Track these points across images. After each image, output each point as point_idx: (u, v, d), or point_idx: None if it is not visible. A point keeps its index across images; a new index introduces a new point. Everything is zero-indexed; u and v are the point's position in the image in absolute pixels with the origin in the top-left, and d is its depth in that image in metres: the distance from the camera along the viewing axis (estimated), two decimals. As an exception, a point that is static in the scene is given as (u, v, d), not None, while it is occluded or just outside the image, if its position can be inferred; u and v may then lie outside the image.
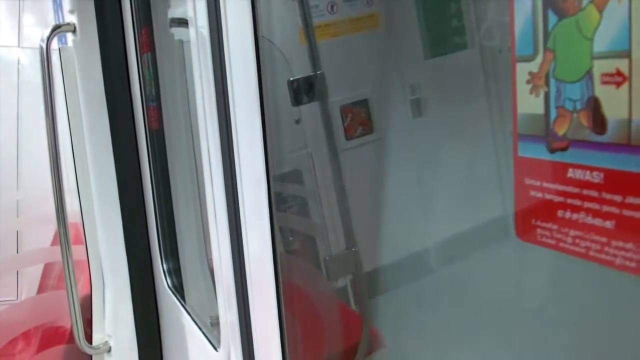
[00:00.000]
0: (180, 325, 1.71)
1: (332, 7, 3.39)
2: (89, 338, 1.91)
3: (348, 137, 3.48)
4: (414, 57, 3.59)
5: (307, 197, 2.97)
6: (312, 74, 1.95)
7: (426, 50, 3.59)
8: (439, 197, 3.56)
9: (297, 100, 1.95)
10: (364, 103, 3.48)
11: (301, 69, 2.07)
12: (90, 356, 1.97)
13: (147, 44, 1.69)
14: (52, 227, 2.24)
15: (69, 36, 1.77)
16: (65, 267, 1.78)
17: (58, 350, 2.15)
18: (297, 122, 3.06)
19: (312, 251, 2.67)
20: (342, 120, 3.45)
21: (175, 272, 1.84)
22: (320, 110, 2.04)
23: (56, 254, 1.84)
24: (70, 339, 1.94)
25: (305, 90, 1.95)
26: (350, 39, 3.46)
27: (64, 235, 1.76)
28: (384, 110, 3.55)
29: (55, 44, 1.84)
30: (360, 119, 3.49)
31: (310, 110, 2.49)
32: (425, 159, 3.56)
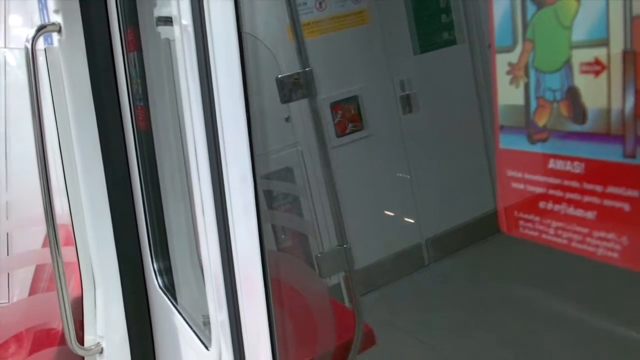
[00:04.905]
0: (171, 325, 1.70)
1: (320, 4, 3.39)
2: (80, 340, 1.90)
3: (339, 134, 3.49)
4: (404, 53, 3.60)
5: (298, 194, 2.96)
6: (300, 71, 1.94)
7: (415, 46, 3.60)
8: (430, 192, 3.57)
9: (285, 98, 1.95)
10: (354, 100, 3.48)
11: (290, 66, 2.06)
12: (82, 358, 1.96)
13: (133, 43, 1.68)
14: (42, 228, 2.23)
15: (55, 36, 1.75)
16: (55, 269, 1.77)
17: (50, 352, 2.14)
18: (287, 119, 3.06)
19: (304, 248, 2.67)
20: (333, 117, 3.45)
21: (166, 272, 1.83)
22: (309, 107, 2.03)
23: (47, 255, 1.83)
24: (62, 341, 1.93)
25: (293, 87, 1.94)
26: (339, 36, 3.46)
27: (53, 236, 1.75)
28: (374, 107, 3.55)
29: (41, 44, 1.83)
30: (350, 116, 3.49)
31: (300, 107, 2.48)
32: (415, 154, 3.56)
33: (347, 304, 2.32)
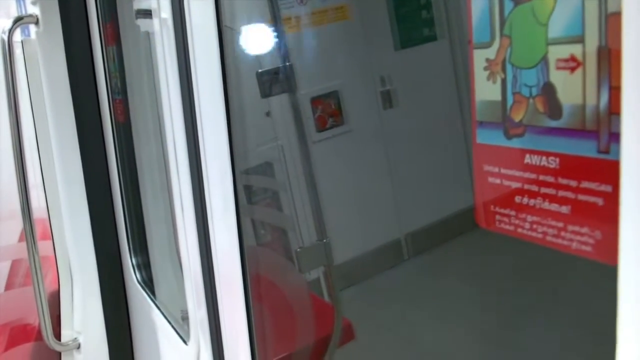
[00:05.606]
0: (150, 320, 1.69)
1: (301, -2, 3.38)
2: (57, 335, 1.88)
3: (319, 129, 3.48)
4: (384, 48, 3.60)
5: (278, 189, 2.96)
6: (280, 65, 1.93)
7: (396, 42, 3.61)
8: (410, 187, 3.58)
9: (265, 92, 1.94)
10: (334, 95, 3.48)
11: (270, 61, 2.05)
12: (59, 353, 1.94)
13: (112, 36, 1.67)
14: (18, 222, 2.20)
15: (32, 28, 1.73)
16: (31, 264, 1.76)
17: (26, 348, 2.12)
18: (268, 114, 3.05)
19: (284, 243, 2.66)
20: (313, 112, 3.45)
21: (144, 267, 1.82)
22: (290, 102, 2.03)
23: (23, 250, 1.81)
24: (39, 337, 1.91)
25: (273, 82, 1.94)
26: (319, 31, 3.46)
27: (29, 231, 1.74)
28: (355, 102, 3.55)
29: (18, 36, 1.80)
30: (330, 111, 3.48)
31: (280, 102, 2.47)
32: (395, 150, 3.57)
33: (326, 298, 2.32)
